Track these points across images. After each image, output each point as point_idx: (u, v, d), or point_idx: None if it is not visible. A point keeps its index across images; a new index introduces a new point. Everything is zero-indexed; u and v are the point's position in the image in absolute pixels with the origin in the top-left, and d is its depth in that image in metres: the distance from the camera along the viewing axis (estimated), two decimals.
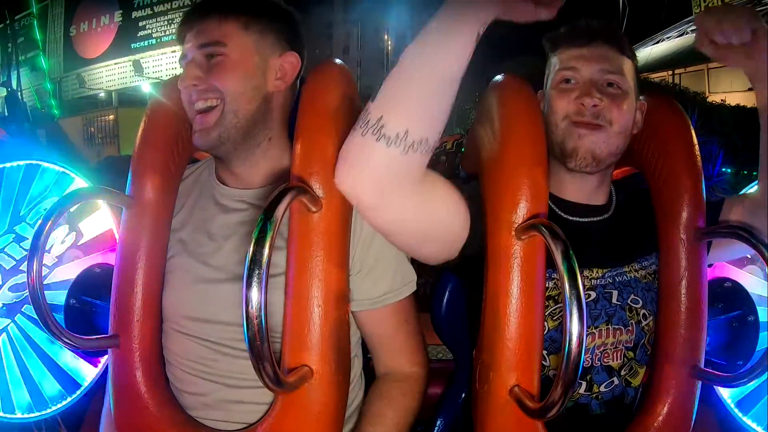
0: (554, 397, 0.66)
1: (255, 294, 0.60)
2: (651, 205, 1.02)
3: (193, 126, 0.91)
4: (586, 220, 1.01)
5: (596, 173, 0.97)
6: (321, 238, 0.77)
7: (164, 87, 0.99)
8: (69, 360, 1.52)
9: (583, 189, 1.00)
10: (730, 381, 0.93)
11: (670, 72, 11.93)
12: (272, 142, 0.95)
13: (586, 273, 0.96)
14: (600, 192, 1.03)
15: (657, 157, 1.00)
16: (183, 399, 0.93)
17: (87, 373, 1.54)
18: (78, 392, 1.54)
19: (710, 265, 1.06)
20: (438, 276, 1.26)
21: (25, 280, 0.82)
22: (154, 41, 14.68)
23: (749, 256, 1.24)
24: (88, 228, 1.62)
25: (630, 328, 0.97)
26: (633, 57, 0.99)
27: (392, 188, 0.76)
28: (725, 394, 1.64)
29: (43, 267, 0.83)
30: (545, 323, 0.88)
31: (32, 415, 1.51)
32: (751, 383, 0.97)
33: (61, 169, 1.66)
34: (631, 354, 0.97)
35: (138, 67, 14.71)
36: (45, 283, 0.96)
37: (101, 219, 1.66)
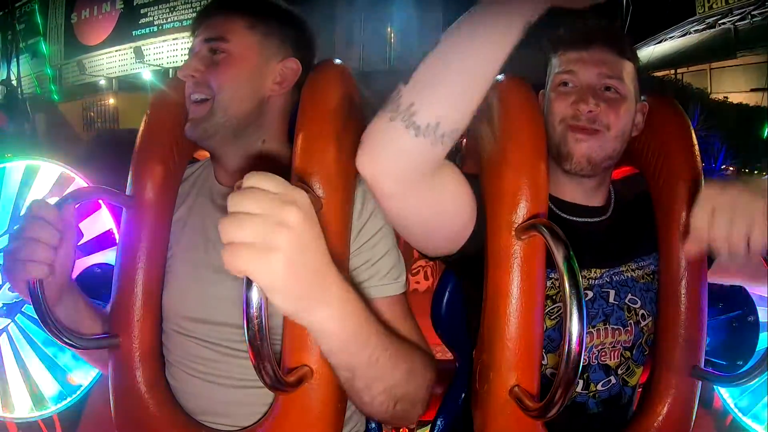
0: (554, 398, 0.66)
1: (255, 294, 0.60)
2: (651, 206, 1.02)
3: (189, 112, 0.92)
4: (584, 220, 1.01)
5: (593, 176, 0.98)
6: None
7: (165, 87, 0.99)
8: (69, 360, 1.52)
9: (580, 190, 1.00)
10: (729, 381, 0.93)
11: (673, 71, 11.93)
12: (267, 144, 0.95)
13: (584, 273, 0.96)
14: (598, 193, 1.03)
15: (657, 157, 1.00)
16: (183, 399, 0.93)
17: (87, 373, 1.54)
18: (78, 392, 1.54)
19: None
20: (438, 276, 1.26)
21: None
22: (155, 29, 14.64)
23: None
24: (88, 228, 1.62)
25: (629, 328, 0.97)
26: (634, 59, 0.99)
27: (415, 178, 0.73)
28: (725, 394, 1.64)
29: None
30: (544, 322, 0.88)
31: (32, 414, 1.51)
32: (751, 383, 0.97)
33: (61, 169, 1.66)
34: (628, 354, 0.98)
35: (139, 54, 14.66)
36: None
37: (101, 219, 1.66)
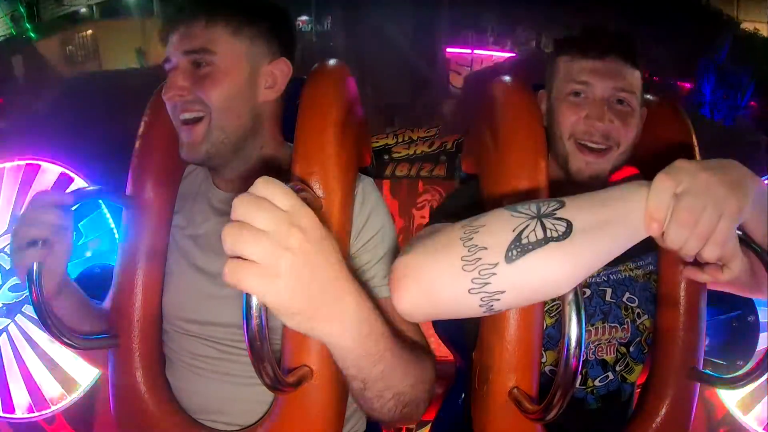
0: (553, 400, 0.66)
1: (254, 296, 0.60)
2: None
3: (180, 137, 0.87)
4: None
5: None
6: None
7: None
8: (69, 360, 1.52)
9: (580, 192, 1.00)
10: (728, 383, 0.93)
11: None
12: (265, 149, 0.93)
13: None
14: None
15: (658, 160, 1.00)
16: (183, 398, 0.93)
17: (87, 373, 1.54)
18: (78, 392, 1.54)
19: None
20: None
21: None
22: None
23: None
24: (88, 228, 1.62)
25: (625, 326, 0.97)
26: (642, 66, 0.97)
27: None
28: (725, 393, 1.64)
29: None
30: (543, 320, 0.88)
31: (32, 415, 1.51)
32: (750, 386, 0.96)
33: (61, 169, 1.66)
34: (624, 349, 0.98)
35: None
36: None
37: (101, 219, 1.66)
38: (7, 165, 1.65)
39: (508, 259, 0.57)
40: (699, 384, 0.96)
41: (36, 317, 0.82)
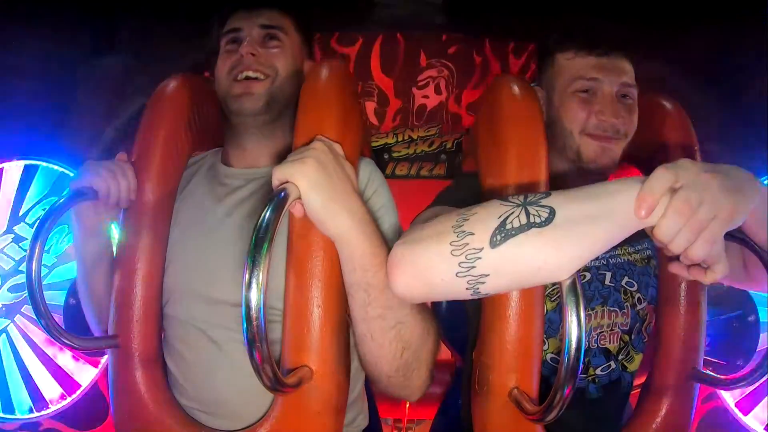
0: (553, 401, 0.66)
1: (255, 295, 0.60)
2: None
3: (233, 90, 0.95)
4: None
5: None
6: (321, 238, 0.77)
7: (163, 88, 0.99)
8: (69, 360, 1.52)
9: (581, 183, 1.01)
10: (728, 383, 0.93)
11: None
12: (284, 125, 1.00)
13: None
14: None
15: (657, 157, 1.00)
16: (183, 392, 0.93)
17: (87, 373, 1.54)
18: (78, 392, 1.54)
19: None
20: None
21: (25, 280, 0.82)
22: None
23: None
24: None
25: (625, 311, 0.97)
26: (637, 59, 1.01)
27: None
28: (725, 393, 1.64)
29: (43, 267, 0.83)
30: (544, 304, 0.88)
31: (32, 415, 1.51)
32: (750, 386, 0.97)
33: (61, 170, 1.66)
34: (626, 337, 0.98)
35: None
36: (45, 283, 0.95)
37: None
38: (7, 165, 1.65)
39: (493, 243, 0.60)
40: (699, 384, 0.96)
41: (36, 317, 0.82)
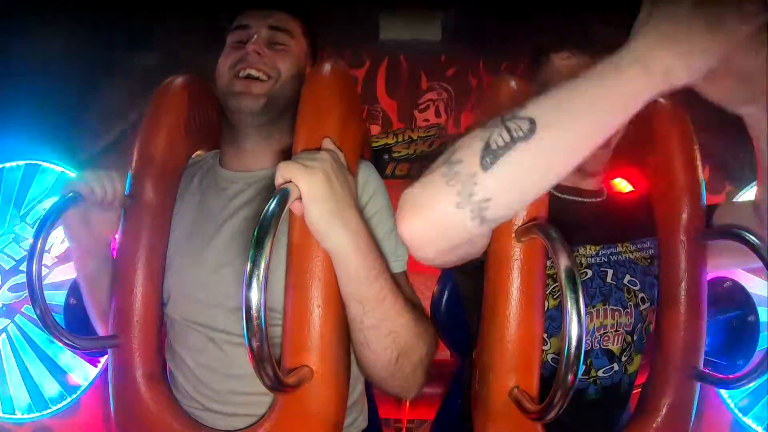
0: (553, 400, 0.66)
1: (255, 295, 0.60)
2: (646, 201, 1.04)
3: (233, 86, 0.95)
4: (580, 199, 1.04)
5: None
6: None
7: (164, 88, 0.99)
8: (69, 360, 1.52)
9: (579, 175, 1.03)
10: (729, 383, 0.93)
11: None
12: (283, 126, 1.00)
13: (581, 251, 0.97)
14: (593, 181, 1.06)
15: (658, 159, 1.01)
16: (184, 392, 0.93)
17: (87, 373, 1.54)
18: (78, 392, 1.54)
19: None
20: (438, 277, 1.26)
21: (25, 280, 0.82)
22: None
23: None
24: None
25: (629, 310, 0.97)
26: None
27: (457, 250, 0.72)
28: (725, 393, 1.64)
29: (43, 267, 0.83)
30: (546, 302, 0.88)
31: (32, 415, 1.51)
32: (750, 385, 0.97)
33: (61, 169, 1.66)
34: (629, 338, 0.98)
35: None
36: (45, 283, 0.96)
37: None
38: (7, 165, 1.65)
39: (484, 167, 0.59)
40: (699, 384, 0.96)
41: (36, 317, 0.82)
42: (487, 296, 0.84)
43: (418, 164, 2.29)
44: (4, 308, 1.55)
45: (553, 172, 0.59)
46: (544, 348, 0.91)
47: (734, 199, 1.74)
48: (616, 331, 0.96)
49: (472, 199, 0.60)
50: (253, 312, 0.60)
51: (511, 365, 0.79)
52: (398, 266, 0.90)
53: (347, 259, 0.75)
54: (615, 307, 0.97)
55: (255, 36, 0.97)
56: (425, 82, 2.29)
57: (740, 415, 1.62)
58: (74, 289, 1.48)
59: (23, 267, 1.46)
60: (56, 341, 0.85)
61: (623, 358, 0.97)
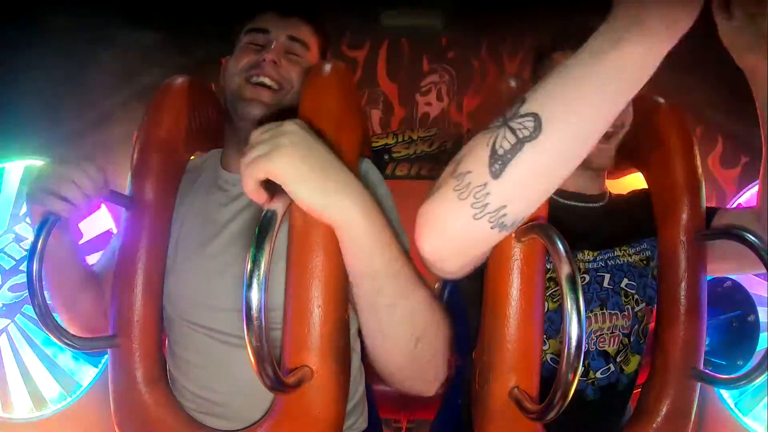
0: (553, 400, 0.66)
1: (255, 295, 0.60)
2: (646, 200, 1.04)
3: (244, 92, 0.94)
4: (579, 204, 1.04)
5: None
6: (321, 238, 0.77)
7: (164, 88, 0.99)
8: (69, 360, 1.52)
9: (581, 180, 1.03)
10: (728, 383, 0.93)
11: None
12: None
13: (579, 257, 0.97)
14: (596, 184, 1.06)
15: (658, 159, 1.01)
16: (184, 392, 0.93)
17: (87, 373, 1.54)
18: (78, 392, 1.54)
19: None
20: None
21: (25, 280, 0.82)
22: None
23: None
24: (88, 228, 1.62)
25: (626, 313, 0.98)
26: None
27: (480, 257, 0.71)
28: (725, 393, 1.64)
29: (43, 267, 0.83)
30: (545, 304, 0.88)
31: (32, 415, 1.51)
32: (750, 385, 0.97)
33: None
34: (626, 340, 0.98)
35: None
36: (45, 282, 0.95)
37: (101, 219, 1.66)
38: (7, 165, 1.65)
39: (494, 174, 0.56)
40: (699, 384, 0.96)
41: (36, 317, 0.82)
42: (487, 296, 0.84)
43: (418, 164, 2.29)
44: (4, 308, 1.55)
45: (565, 165, 0.57)
46: (543, 348, 0.91)
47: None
48: (612, 333, 0.97)
49: (487, 209, 0.58)
50: (254, 312, 0.60)
51: (511, 365, 0.79)
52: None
53: (353, 224, 0.67)
54: (612, 311, 0.97)
55: (274, 43, 0.96)
56: (426, 64, 2.27)
57: (740, 415, 1.62)
58: None
59: (23, 267, 1.46)
60: (56, 341, 0.85)
61: (618, 359, 0.97)
